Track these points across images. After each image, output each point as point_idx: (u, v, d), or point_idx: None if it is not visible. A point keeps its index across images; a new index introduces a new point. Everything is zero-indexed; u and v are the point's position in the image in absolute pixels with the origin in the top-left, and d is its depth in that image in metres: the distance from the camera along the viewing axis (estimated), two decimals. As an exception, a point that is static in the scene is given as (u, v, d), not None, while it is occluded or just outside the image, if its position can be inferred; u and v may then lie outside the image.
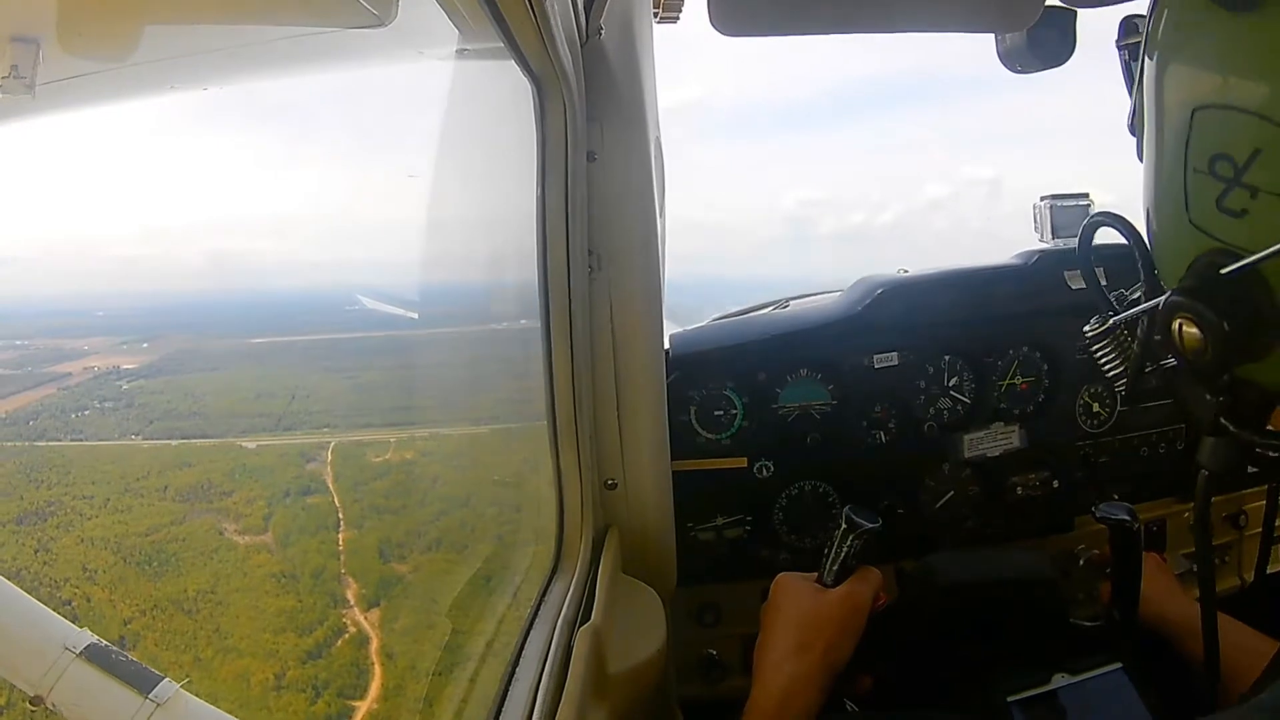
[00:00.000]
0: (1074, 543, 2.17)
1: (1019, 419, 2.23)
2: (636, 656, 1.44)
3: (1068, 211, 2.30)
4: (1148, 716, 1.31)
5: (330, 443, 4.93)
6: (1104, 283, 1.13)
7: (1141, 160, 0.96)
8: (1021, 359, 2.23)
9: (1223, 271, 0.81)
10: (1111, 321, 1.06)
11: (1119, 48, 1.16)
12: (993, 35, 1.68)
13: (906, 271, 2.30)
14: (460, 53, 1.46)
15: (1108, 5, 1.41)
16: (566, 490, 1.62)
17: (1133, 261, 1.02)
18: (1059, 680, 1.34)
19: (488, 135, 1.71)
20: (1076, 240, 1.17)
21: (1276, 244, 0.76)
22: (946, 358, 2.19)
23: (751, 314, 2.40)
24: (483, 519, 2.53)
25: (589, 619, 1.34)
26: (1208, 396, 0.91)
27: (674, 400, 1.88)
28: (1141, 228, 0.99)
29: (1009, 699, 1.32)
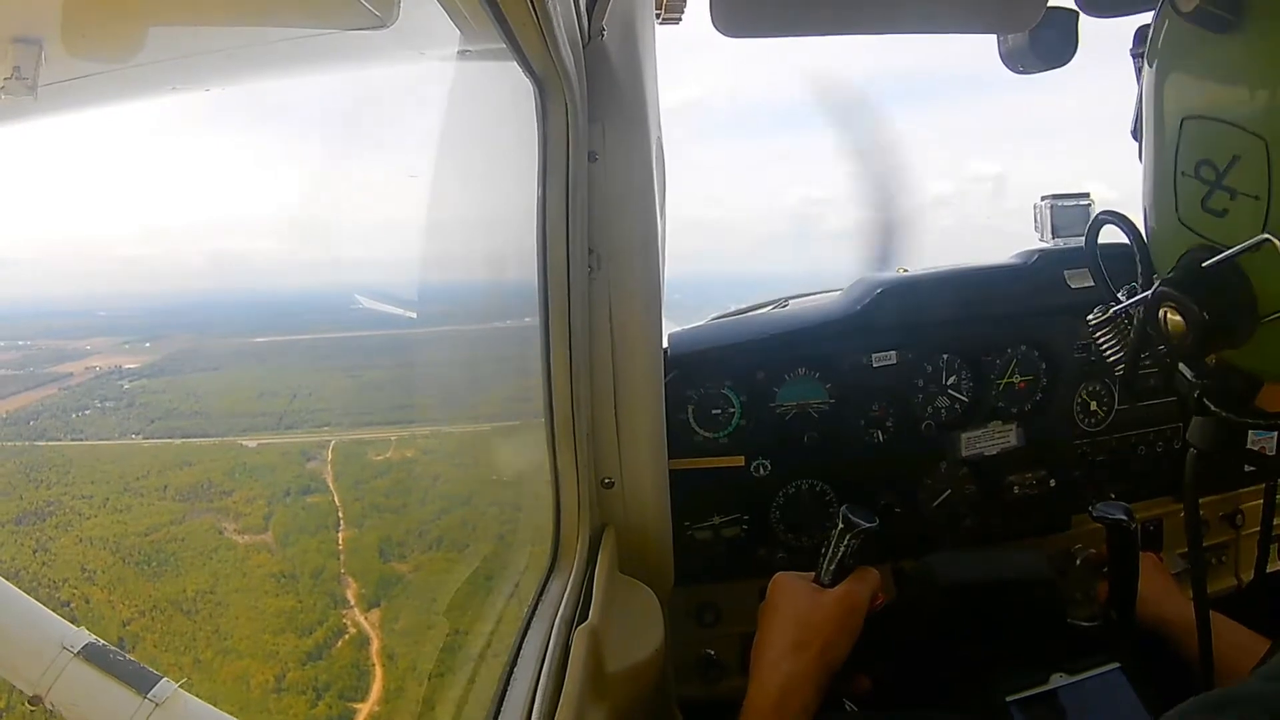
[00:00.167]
0: (1071, 541, 2.16)
1: (1017, 418, 2.24)
2: (634, 656, 1.44)
3: (1068, 211, 2.31)
4: (1145, 716, 1.31)
5: (331, 441, 4.92)
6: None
7: (1142, 163, 1.04)
8: (1020, 358, 2.23)
9: (1204, 264, 0.89)
10: (1112, 311, 1.13)
11: (1132, 55, 1.23)
12: (995, 36, 1.69)
13: (906, 271, 2.31)
14: (462, 54, 1.46)
15: (1124, 15, 1.45)
16: (563, 489, 1.62)
17: (1128, 260, 1.08)
18: (1057, 680, 1.34)
19: (489, 135, 1.71)
20: (1083, 237, 1.23)
21: (1250, 240, 0.84)
22: (945, 357, 2.19)
23: (750, 313, 2.41)
24: (484, 518, 2.54)
25: (586, 619, 1.34)
26: (1190, 378, 1.01)
27: (672, 399, 1.88)
28: (1141, 225, 1.06)
29: (1007, 699, 1.32)
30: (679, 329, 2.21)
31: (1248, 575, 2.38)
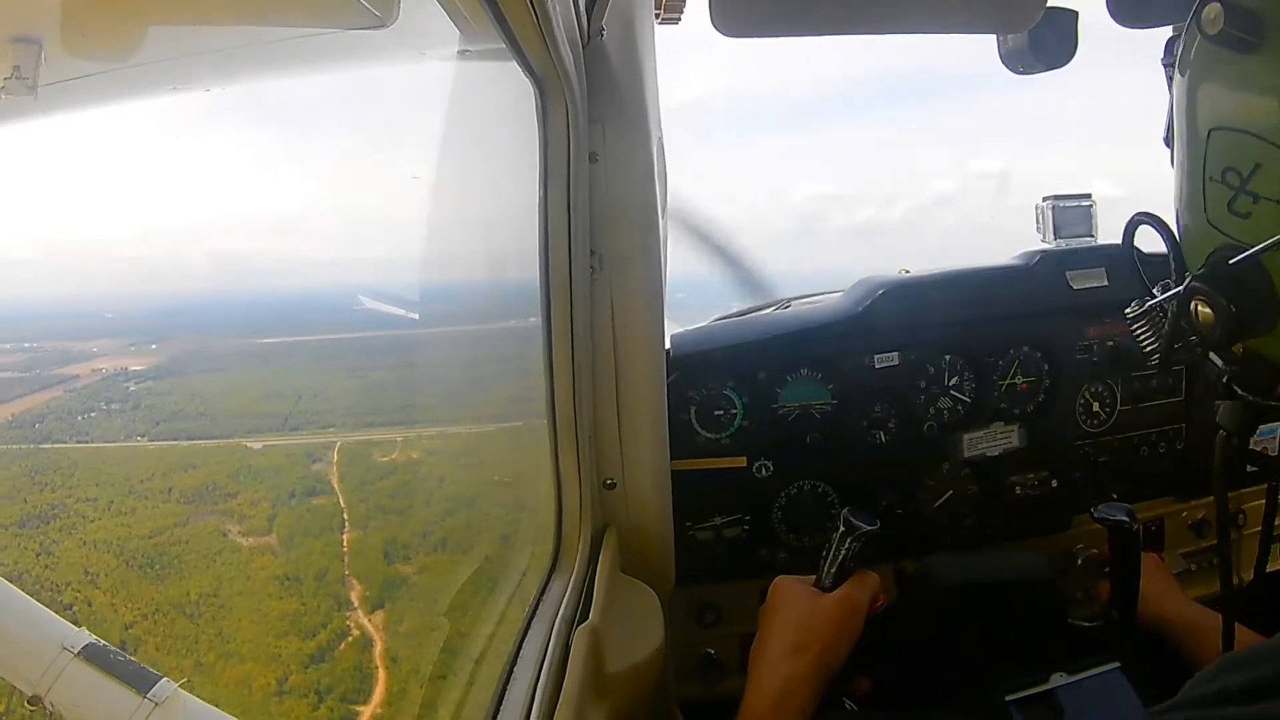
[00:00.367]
0: (1072, 541, 2.17)
1: (1019, 419, 2.23)
2: (635, 656, 1.44)
3: (1070, 212, 2.31)
4: (1145, 716, 1.31)
5: (336, 443, 4.91)
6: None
7: (1174, 168, 1.14)
8: (1022, 359, 2.23)
9: (1230, 262, 0.98)
10: (1148, 305, 1.22)
11: (1164, 65, 1.37)
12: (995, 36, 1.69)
13: (908, 272, 2.30)
14: (462, 54, 1.47)
15: (1155, 26, 1.54)
16: (565, 490, 1.62)
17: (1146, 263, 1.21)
18: (1057, 680, 1.34)
19: (489, 136, 1.71)
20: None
21: (1271, 239, 0.93)
22: (947, 357, 2.19)
23: (752, 314, 2.41)
24: (487, 519, 2.53)
25: (587, 618, 1.34)
26: (1219, 365, 1.11)
27: (674, 400, 1.88)
28: (1173, 225, 1.15)
29: (1007, 698, 1.32)
30: (681, 330, 2.21)
31: (1249, 575, 2.38)
